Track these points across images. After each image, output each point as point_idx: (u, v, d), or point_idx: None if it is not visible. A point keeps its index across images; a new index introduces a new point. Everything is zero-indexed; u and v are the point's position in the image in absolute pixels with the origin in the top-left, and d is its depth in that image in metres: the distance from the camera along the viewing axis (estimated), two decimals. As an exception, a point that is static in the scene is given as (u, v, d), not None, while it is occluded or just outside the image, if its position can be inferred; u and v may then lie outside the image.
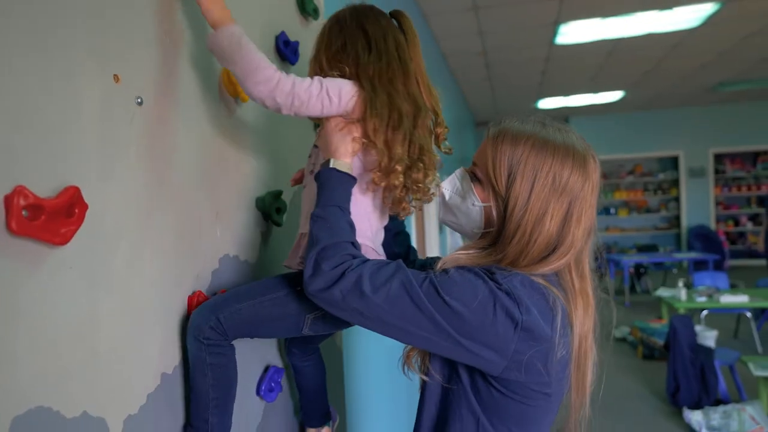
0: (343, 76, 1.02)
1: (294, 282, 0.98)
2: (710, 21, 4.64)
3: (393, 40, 1.05)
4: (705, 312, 5.19)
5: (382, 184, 1.01)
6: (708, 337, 4.26)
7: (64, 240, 0.69)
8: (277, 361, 1.29)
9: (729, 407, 3.72)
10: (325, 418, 1.33)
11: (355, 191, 1.00)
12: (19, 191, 0.63)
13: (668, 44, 5.36)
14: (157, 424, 0.88)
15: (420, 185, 1.03)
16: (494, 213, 0.91)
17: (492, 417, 0.87)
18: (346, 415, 1.76)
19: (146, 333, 0.86)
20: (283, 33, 1.33)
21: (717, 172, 10.13)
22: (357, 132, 1.00)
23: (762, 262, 8.52)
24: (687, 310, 5.08)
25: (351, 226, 0.94)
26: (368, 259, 0.88)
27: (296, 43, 1.38)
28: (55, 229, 0.67)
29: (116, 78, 0.81)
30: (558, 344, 0.83)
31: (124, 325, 0.81)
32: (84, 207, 0.71)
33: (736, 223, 10.24)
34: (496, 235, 0.91)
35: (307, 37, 1.49)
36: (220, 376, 0.98)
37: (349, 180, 0.97)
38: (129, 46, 0.84)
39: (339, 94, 0.99)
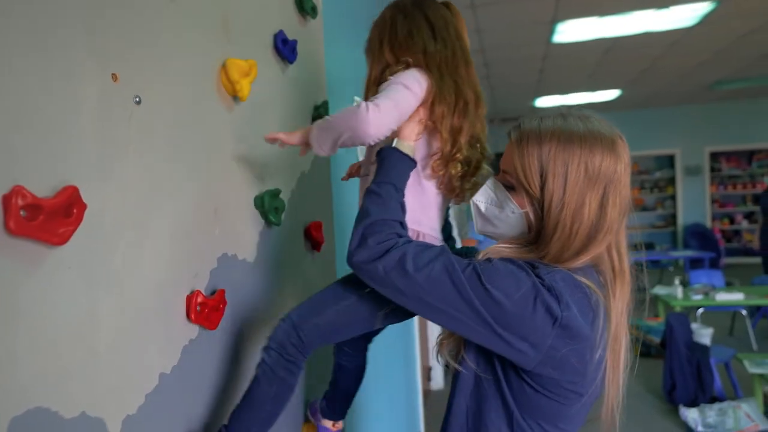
0: (407, 66, 1.03)
1: (360, 284, 0.97)
2: (707, 19, 4.64)
3: (454, 29, 1.08)
4: (701, 310, 5.22)
5: (441, 172, 1.02)
6: (704, 334, 4.28)
7: (63, 240, 0.68)
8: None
9: (725, 404, 3.74)
10: (344, 414, 1.37)
11: (422, 179, 1.02)
12: (17, 191, 0.62)
13: (665, 43, 5.37)
14: (155, 424, 0.88)
15: (474, 177, 1.06)
16: (532, 216, 0.90)
17: (524, 412, 0.87)
18: (346, 416, 1.75)
19: (145, 333, 0.86)
20: (281, 31, 1.32)
21: (713, 170, 10.15)
22: (423, 115, 1.01)
23: (757, 260, 8.53)
24: (683, 308, 5.09)
25: (402, 207, 0.94)
26: (413, 240, 0.89)
27: (294, 42, 1.37)
28: (53, 229, 0.67)
29: (114, 77, 0.80)
30: (597, 344, 0.83)
31: (123, 325, 0.81)
32: (82, 207, 0.71)
33: (732, 221, 10.27)
34: (535, 235, 0.91)
35: (306, 35, 1.49)
36: (283, 392, 1.02)
37: (409, 162, 0.98)
38: (128, 45, 0.84)
39: (419, 85, 1.01)
